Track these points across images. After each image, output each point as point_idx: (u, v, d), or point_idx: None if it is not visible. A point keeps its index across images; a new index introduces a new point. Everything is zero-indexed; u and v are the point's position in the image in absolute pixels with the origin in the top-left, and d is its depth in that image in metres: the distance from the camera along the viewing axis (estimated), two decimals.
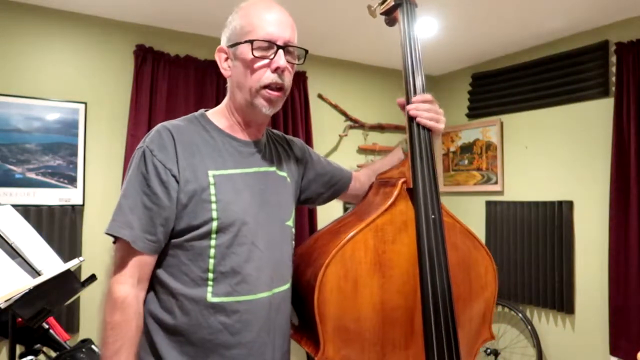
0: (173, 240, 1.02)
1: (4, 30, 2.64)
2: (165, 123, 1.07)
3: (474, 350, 1.20)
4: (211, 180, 1.02)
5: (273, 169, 1.15)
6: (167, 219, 1.00)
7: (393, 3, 1.23)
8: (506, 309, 3.57)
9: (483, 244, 1.21)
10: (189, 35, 3.14)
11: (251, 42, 1.02)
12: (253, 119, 1.10)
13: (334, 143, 3.72)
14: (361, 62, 3.84)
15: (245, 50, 1.04)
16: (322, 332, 1.02)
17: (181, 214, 1.00)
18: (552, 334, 3.31)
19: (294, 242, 1.19)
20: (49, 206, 2.67)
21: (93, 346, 1.67)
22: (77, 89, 2.81)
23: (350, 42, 3.34)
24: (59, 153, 2.73)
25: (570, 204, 3.19)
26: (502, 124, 3.67)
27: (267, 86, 1.04)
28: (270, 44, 1.03)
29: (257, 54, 1.02)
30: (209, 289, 1.01)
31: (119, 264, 1.00)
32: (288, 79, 1.07)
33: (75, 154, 2.77)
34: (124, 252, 1.00)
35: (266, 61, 1.03)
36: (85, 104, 2.81)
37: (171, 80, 3.02)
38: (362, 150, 3.82)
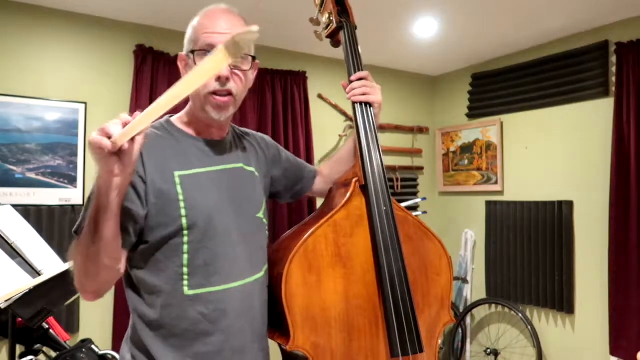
0: (149, 241, 1.06)
1: (4, 30, 2.63)
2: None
3: (436, 334, 1.29)
4: (177, 180, 1.07)
5: (240, 165, 1.20)
6: (135, 214, 1.02)
7: (335, 26, 1.37)
8: (506, 309, 3.57)
9: (436, 235, 1.32)
10: None
11: (192, 52, 1.10)
12: (209, 123, 1.15)
13: (334, 143, 3.72)
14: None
15: (191, 60, 1.11)
16: (292, 322, 1.11)
17: (152, 212, 1.04)
18: (552, 334, 3.31)
19: (267, 233, 1.24)
20: (49, 206, 2.67)
21: (93, 346, 1.67)
22: (77, 89, 2.81)
23: None
24: (59, 153, 2.73)
25: (570, 204, 3.19)
26: (502, 124, 3.67)
27: (213, 93, 1.09)
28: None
29: (199, 62, 1.06)
30: (185, 282, 1.06)
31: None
32: (235, 85, 1.10)
33: (75, 154, 2.77)
34: None
35: None
36: (85, 104, 2.81)
37: (171, 80, 3.02)
38: None
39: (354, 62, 1.33)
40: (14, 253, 1.58)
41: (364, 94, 1.28)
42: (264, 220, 1.22)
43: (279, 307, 1.13)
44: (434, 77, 4.26)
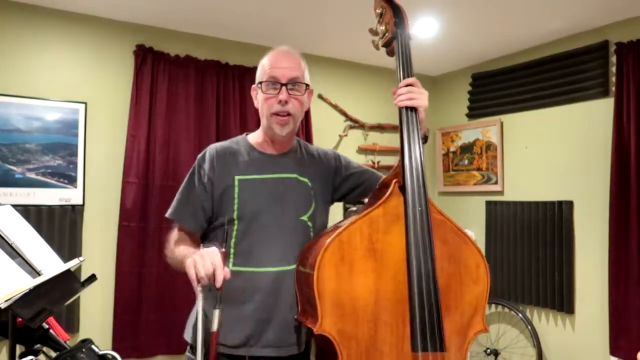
0: (212, 224, 1.43)
1: (3, 30, 2.64)
2: (214, 144, 1.51)
3: (466, 340, 1.30)
4: (236, 182, 1.41)
5: (294, 175, 1.47)
6: (203, 205, 1.42)
7: (390, 36, 1.45)
8: (506, 309, 3.57)
9: (475, 243, 1.34)
10: (189, 35, 3.14)
11: (261, 83, 1.43)
12: (275, 137, 1.46)
13: (334, 143, 3.72)
14: (361, 62, 3.84)
15: (260, 89, 1.44)
16: (320, 307, 1.20)
17: (216, 204, 1.41)
18: (552, 334, 3.31)
19: (311, 234, 1.44)
20: (49, 206, 2.68)
21: (93, 346, 1.67)
22: (77, 89, 2.81)
23: (350, 42, 3.34)
24: (59, 153, 2.73)
25: (570, 204, 3.19)
26: (502, 124, 3.67)
27: (276, 113, 1.41)
28: (276, 83, 1.40)
29: (266, 91, 1.42)
30: (232, 260, 1.38)
31: (173, 228, 1.49)
32: (293, 107, 1.42)
33: (75, 154, 2.77)
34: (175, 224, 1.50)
35: (274, 94, 1.40)
36: (85, 104, 2.82)
37: (171, 80, 3.02)
38: (362, 150, 3.83)
39: (404, 69, 1.39)
40: (14, 253, 1.57)
41: (409, 99, 1.35)
42: (309, 223, 1.44)
43: (310, 292, 1.22)
44: (434, 77, 4.26)
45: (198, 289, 1.17)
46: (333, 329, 1.20)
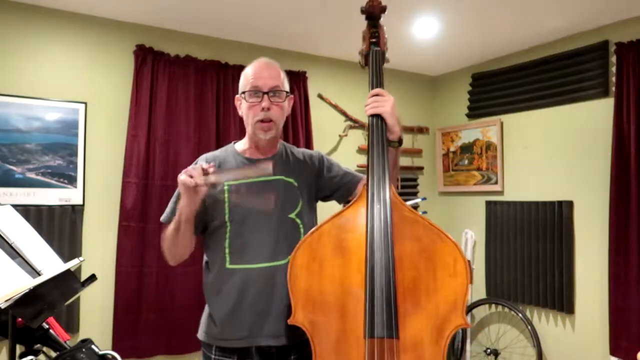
0: (208, 229, 1.55)
1: (3, 30, 2.64)
2: (204, 154, 1.65)
3: (444, 333, 1.32)
4: (226, 188, 1.51)
5: (279, 177, 1.55)
6: (199, 213, 1.47)
7: (366, 53, 1.58)
8: (506, 309, 3.57)
9: (452, 239, 1.37)
10: (189, 35, 3.14)
11: (244, 93, 1.54)
12: (259, 143, 1.58)
13: (334, 143, 3.72)
14: (361, 62, 3.84)
15: (243, 99, 1.55)
16: (294, 301, 1.34)
17: (209, 209, 1.52)
18: (552, 334, 3.31)
19: (301, 230, 1.53)
20: (49, 206, 2.67)
21: (93, 346, 1.67)
22: (77, 89, 2.81)
23: (350, 42, 3.34)
24: (59, 153, 2.73)
25: (570, 204, 3.19)
26: (502, 124, 3.67)
27: (260, 120, 1.51)
28: (258, 92, 1.51)
29: (249, 100, 1.52)
30: (227, 258, 1.50)
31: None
32: (274, 113, 1.52)
33: (75, 154, 2.77)
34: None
35: (257, 102, 1.51)
36: (85, 104, 2.82)
37: (171, 80, 3.02)
38: (362, 150, 3.82)
39: (373, 82, 1.53)
40: (14, 253, 1.57)
41: (373, 107, 1.45)
42: (297, 220, 1.55)
43: (287, 286, 1.36)
44: (434, 77, 4.26)
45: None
46: (305, 320, 1.33)
